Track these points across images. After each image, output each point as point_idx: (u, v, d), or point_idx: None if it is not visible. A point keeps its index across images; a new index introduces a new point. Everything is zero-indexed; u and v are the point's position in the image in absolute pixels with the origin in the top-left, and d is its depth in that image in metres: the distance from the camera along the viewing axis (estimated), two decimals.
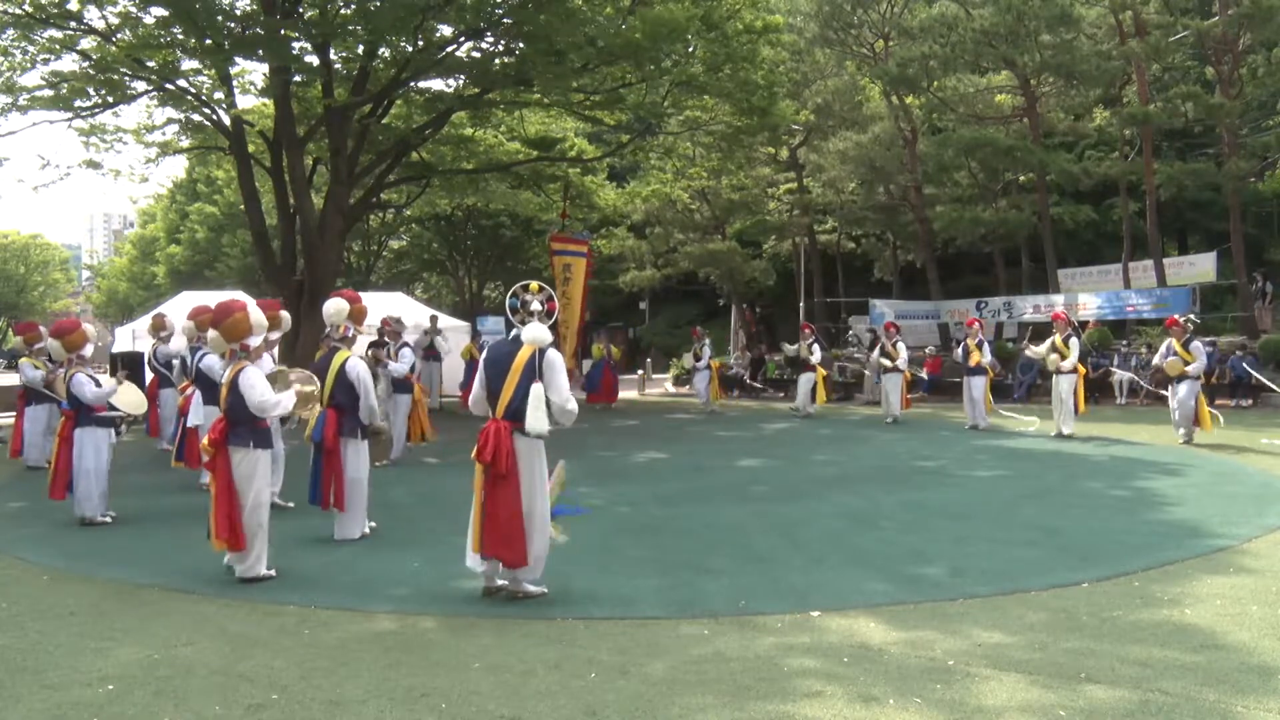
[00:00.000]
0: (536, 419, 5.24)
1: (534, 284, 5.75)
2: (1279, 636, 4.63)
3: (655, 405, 21.56)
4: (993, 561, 6.25)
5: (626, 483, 9.94)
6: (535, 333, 5.45)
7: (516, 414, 5.33)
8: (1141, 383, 17.78)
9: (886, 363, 15.72)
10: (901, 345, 15.82)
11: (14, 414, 16.09)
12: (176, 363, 12.18)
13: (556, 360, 5.41)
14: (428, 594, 5.66)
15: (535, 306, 5.61)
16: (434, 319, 19.92)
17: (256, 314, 6.31)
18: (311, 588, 5.82)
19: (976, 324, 15.22)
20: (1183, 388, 12.15)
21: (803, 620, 5.04)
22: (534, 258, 33.87)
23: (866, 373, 20.21)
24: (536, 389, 5.28)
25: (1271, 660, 4.32)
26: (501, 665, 4.39)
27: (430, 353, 18.85)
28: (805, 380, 17.15)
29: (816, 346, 17.10)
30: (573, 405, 5.41)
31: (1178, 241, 31.11)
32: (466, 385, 19.27)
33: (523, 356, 5.37)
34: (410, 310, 20.93)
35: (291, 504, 8.33)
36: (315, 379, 6.95)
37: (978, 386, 14.35)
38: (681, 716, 3.80)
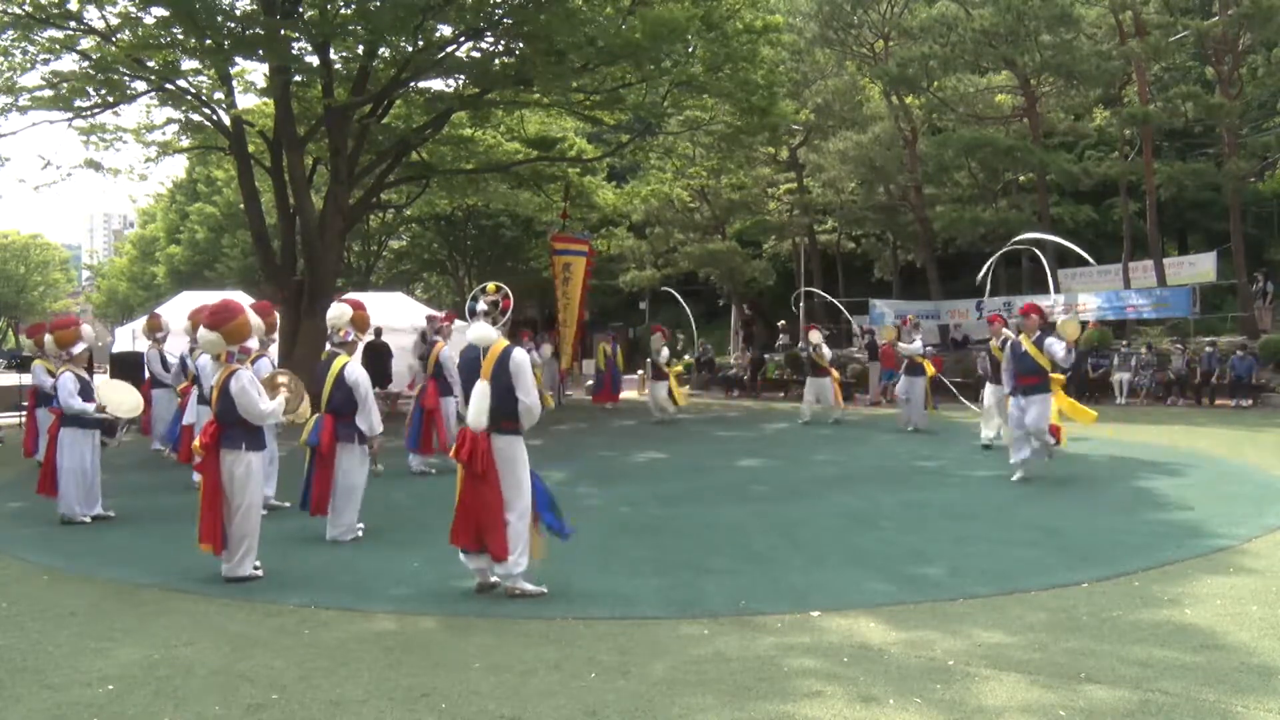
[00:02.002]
0: (475, 412, 5.33)
1: (491, 285, 5.81)
2: (1279, 636, 4.63)
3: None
4: (993, 561, 6.25)
5: (626, 483, 9.93)
6: (477, 332, 5.55)
7: (493, 414, 5.40)
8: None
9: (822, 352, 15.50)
10: (826, 350, 15.64)
11: (16, 413, 16.19)
12: (175, 362, 12.18)
13: (522, 360, 5.47)
14: (428, 594, 5.66)
15: (480, 307, 5.67)
16: (430, 319, 19.64)
17: (255, 317, 6.30)
18: (311, 588, 5.81)
19: (909, 324, 14.72)
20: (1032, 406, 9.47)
21: (803, 620, 5.04)
22: (534, 258, 33.89)
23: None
24: (481, 386, 5.36)
25: (1271, 660, 4.32)
26: (501, 665, 4.39)
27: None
28: (659, 386, 16.72)
29: (665, 350, 16.85)
30: (536, 407, 5.48)
31: (1178, 241, 31.11)
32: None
33: (490, 357, 5.44)
34: (410, 311, 20.89)
35: (288, 504, 8.33)
36: (299, 381, 6.93)
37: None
38: (681, 716, 3.80)
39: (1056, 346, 9.30)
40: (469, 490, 5.44)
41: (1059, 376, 9.71)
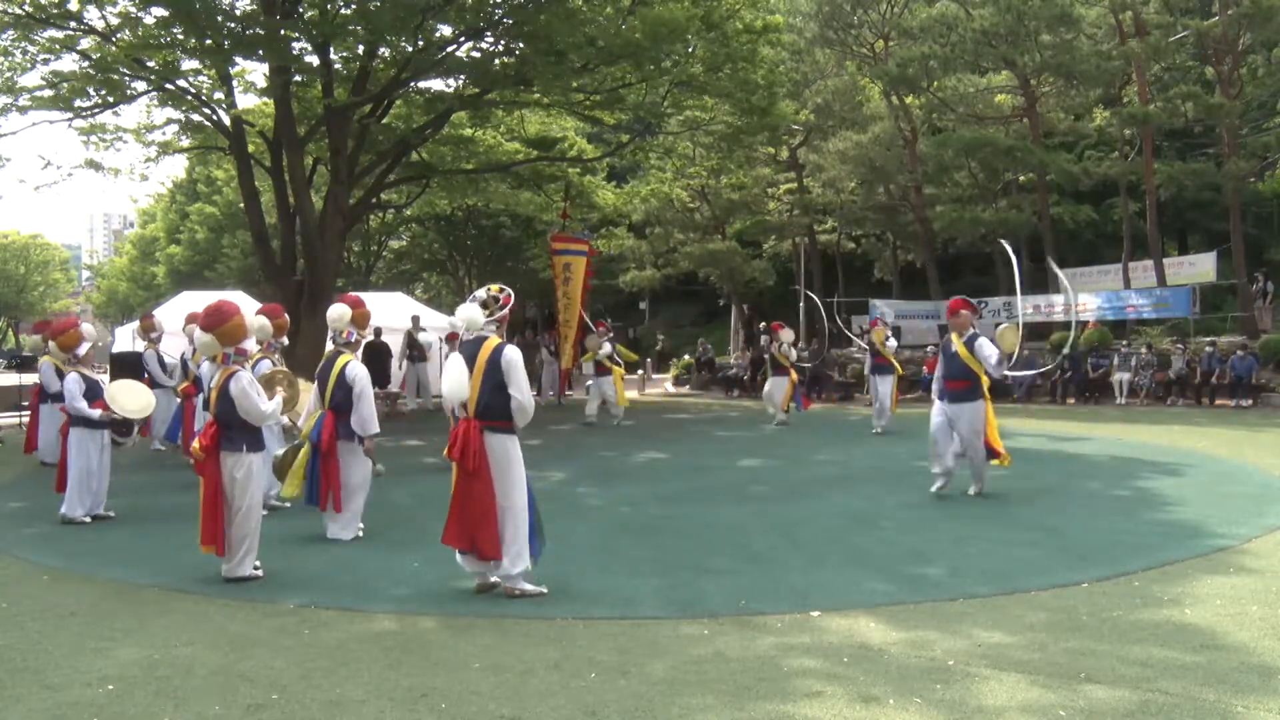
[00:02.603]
0: (452, 385, 5.38)
1: (494, 286, 5.78)
2: (1279, 636, 4.63)
3: (655, 405, 21.55)
4: (993, 561, 6.25)
5: (626, 483, 9.93)
6: (464, 312, 5.59)
7: (485, 412, 5.40)
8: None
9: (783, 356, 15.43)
10: (789, 348, 15.55)
11: (16, 413, 16.19)
12: (174, 363, 12.17)
13: (514, 357, 5.46)
14: (428, 594, 5.66)
15: (479, 295, 5.68)
16: (416, 319, 19.50)
17: (252, 318, 6.27)
18: (311, 588, 5.81)
19: (879, 325, 15.08)
20: (964, 414, 8.47)
21: (803, 620, 5.04)
22: (534, 258, 33.90)
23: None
24: (454, 358, 5.42)
25: (1271, 660, 4.32)
26: (501, 665, 4.39)
27: (415, 352, 18.63)
28: (605, 383, 16.30)
29: (607, 345, 16.37)
30: (529, 405, 5.48)
31: (1178, 241, 31.12)
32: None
33: (483, 355, 5.45)
34: (410, 311, 20.86)
35: (288, 503, 8.33)
36: (295, 380, 6.92)
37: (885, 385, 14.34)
38: (681, 716, 3.80)
39: (988, 349, 8.20)
40: (462, 490, 5.43)
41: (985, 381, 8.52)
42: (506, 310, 5.65)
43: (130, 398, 8.10)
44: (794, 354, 15.78)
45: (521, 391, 5.42)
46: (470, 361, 5.46)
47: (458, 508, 5.46)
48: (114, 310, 63.40)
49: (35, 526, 7.88)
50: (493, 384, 5.40)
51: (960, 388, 8.47)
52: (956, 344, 8.48)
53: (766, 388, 15.91)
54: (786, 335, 15.71)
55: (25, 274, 66.76)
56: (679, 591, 5.62)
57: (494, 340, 5.52)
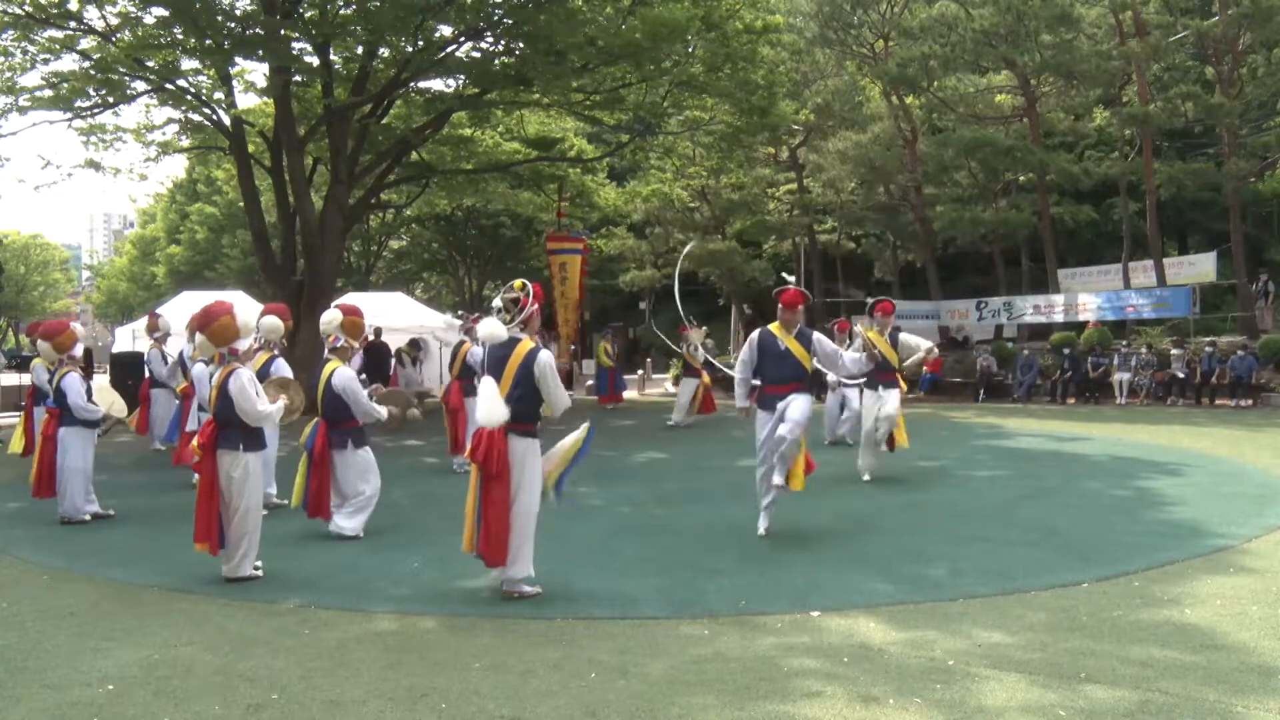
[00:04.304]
0: (487, 411, 5.29)
1: (517, 282, 5.67)
2: (1279, 636, 4.63)
3: (655, 405, 21.54)
4: (993, 561, 6.25)
5: (627, 483, 9.93)
6: (486, 329, 5.52)
7: (513, 416, 5.36)
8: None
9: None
10: (701, 351, 15.55)
11: (16, 414, 16.16)
12: (174, 362, 12.16)
13: (547, 361, 5.43)
14: (428, 594, 5.66)
15: (495, 303, 5.62)
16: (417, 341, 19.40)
17: (244, 317, 6.27)
18: (311, 588, 5.81)
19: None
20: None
21: (803, 620, 5.04)
22: (534, 257, 33.93)
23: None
24: (487, 382, 5.36)
25: (1271, 660, 4.32)
26: (501, 665, 4.39)
27: (412, 354, 18.62)
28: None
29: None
30: (565, 403, 5.55)
31: (1178, 241, 31.12)
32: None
33: (515, 360, 5.39)
34: (410, 311, 20.87)
35: (286, 501, 8.33)
36: (296, 386, 6.91)
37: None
38: (681, 716, 3.80)
39: (829, 345, 7.23)
40: (484, 495, 5.34)
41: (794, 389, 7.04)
42: (531, 309, 5.53)
43: (113, 399, 8.18)
44: (703, 355, 15.79)
45: (558, 391, 5.44)
46: (501, 366, 5.40)
47: (482, 514, 5.35)
48: (114, 310, 63.48)
49: (35, 526, 7.88)
50: (523, 389, 5.35)
51: (792, 389, 7.05)
52: (787, 340, 7.11)
53: (680, 391, 16.10)
54: (694, 336, 15.79)
55: (25, 274, 66.69)
56: (679, 591, 5.62)
57: (527, 344, 5.43)
